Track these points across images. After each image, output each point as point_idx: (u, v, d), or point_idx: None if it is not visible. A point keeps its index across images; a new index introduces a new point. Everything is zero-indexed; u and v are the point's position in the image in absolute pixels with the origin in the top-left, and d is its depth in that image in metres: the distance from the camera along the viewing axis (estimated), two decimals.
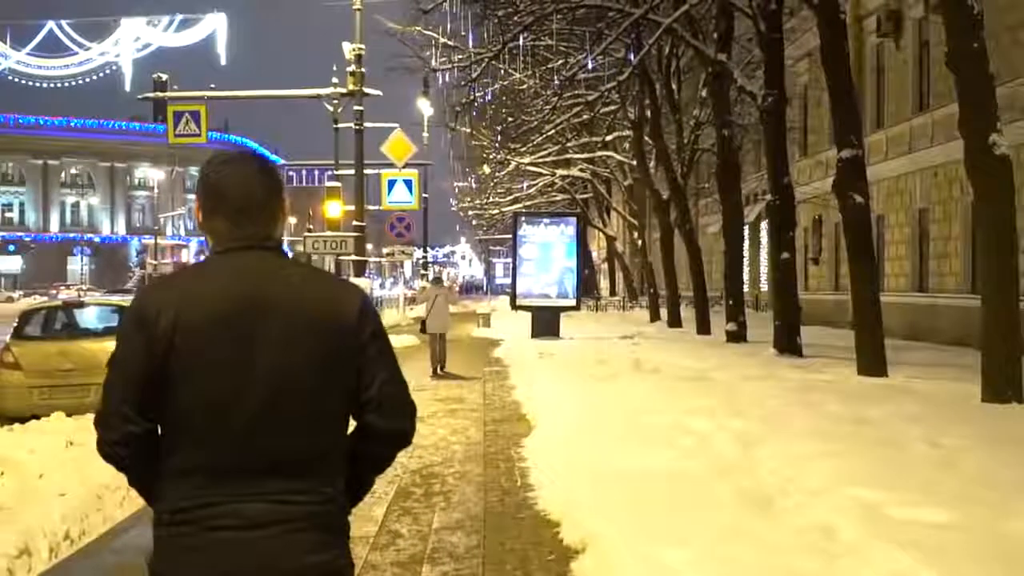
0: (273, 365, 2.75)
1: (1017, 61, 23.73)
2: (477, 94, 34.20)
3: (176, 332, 2.72)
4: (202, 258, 3.83)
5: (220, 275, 2.85)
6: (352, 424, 2.97)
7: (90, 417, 12.90)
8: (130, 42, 67.56)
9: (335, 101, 34.46)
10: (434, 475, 10.74)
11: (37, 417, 13.92)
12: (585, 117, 43.95)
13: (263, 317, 2.77)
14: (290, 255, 3.06)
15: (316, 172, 47.28)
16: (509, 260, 42.58)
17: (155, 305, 2.78)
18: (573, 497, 8.66)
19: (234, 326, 2.75)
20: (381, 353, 2.97)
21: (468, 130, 46.03)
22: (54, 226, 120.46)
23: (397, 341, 31.29)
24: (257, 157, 3.07)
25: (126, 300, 18.42)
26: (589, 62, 29.97)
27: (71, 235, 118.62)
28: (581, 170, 51.40)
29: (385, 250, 55.97)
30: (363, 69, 30.92)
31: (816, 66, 28.67)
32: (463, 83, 33.28)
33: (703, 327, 31.66)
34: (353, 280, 34.46)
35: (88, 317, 17.32)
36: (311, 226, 69.54)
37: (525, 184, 59.31)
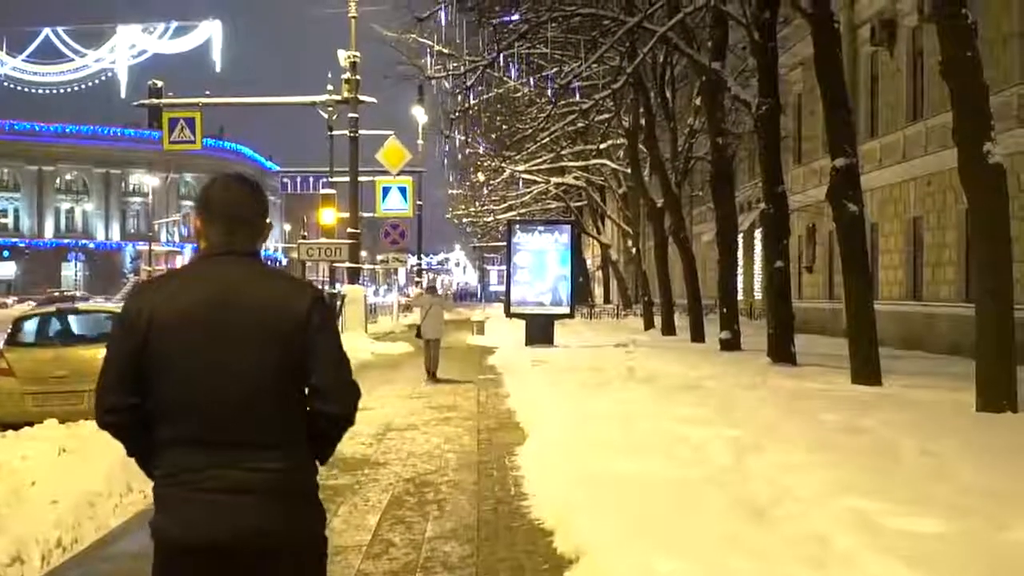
0: (235, 355, 3.30)
1: (1011, 69, 23.79)
2: (472, 102, 34.23)
3: (151, 327, 3.32)
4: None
5: (196, 278, 3.43)
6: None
7: (84, 424, 13.01)
8: (126, 49, 67.64)
9: (330, 108, 34.51)
10: (428, 484, 10.72)
11: (30, 424, 13.91)
12: (580, 125, 43.96)
13: (236, 312, 3.32)
14: (263, 261, 3.58)
15: (311, 179, 47.38)
16: (503, 267, 42.60)
17: (138, 304, 3.39)
18: (567, 506, 8.64)
19: (202, 321, 3.31)
20: (327, 344, 3.41)
21: (463, 137, 46.05)
22: (48, 232, 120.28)
23: (392, 348, 31.38)
24: (249, 182, 3.61)
25: (119, 307, 18.41)
26: (584, 70, 29.96)
27: (65, 241, 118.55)
28: (575, 178, 51.42)
29: (379, 257, 56.01)
30: (358, 76, 31.01)
31: (810, 75, 28.72)
32: (458, 91, 33.35)
33: (697, 335, 31.67)
34: (347, 286, 34.53)
35: (82, 323, 17.30)
36: (305, 233, 69.60)
37: (519, 191, 59.31)
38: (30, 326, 16.88)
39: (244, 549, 3.26)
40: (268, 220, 3.60)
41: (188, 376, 3.29)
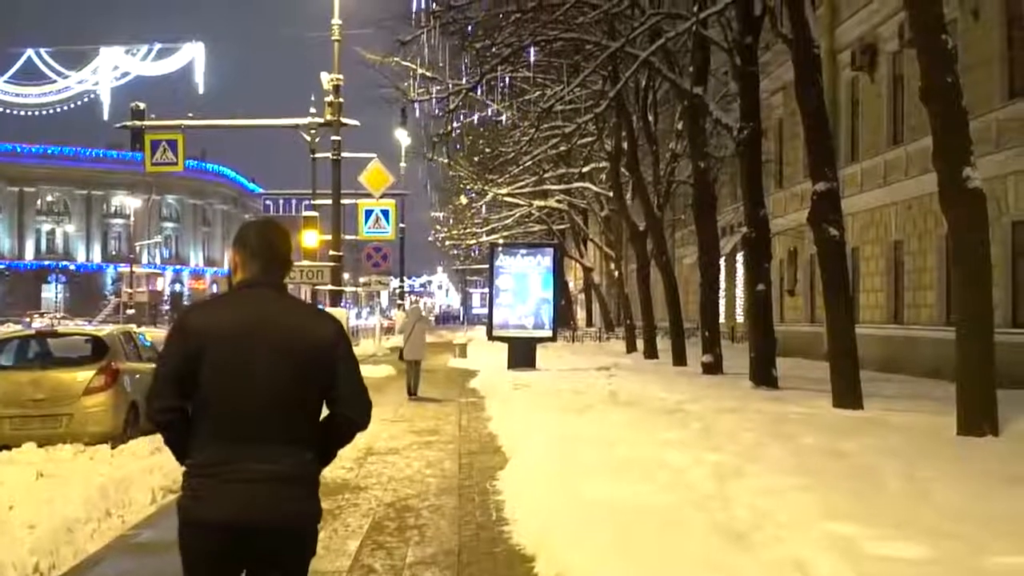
0: (269, 368, 4.02)
1: (991, 94, 23.91)
2: (455, 125, 34.28)
3: (204, 341, 4.03)
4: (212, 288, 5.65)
5: (238, 304, 4.18)
6: (325, 412, 4.22)
7: (62, 448, 12.97)
8: (108, 70, 67.63)
9: (313, 131, 34.44)
10: (409, 508, 10.68)
11: (8, 447, 13.84)
12: (562, 148, 44.11)
13: (264, 333, 4.05)
14: (289, 292, 4.35)
15: (293, 201, 47.17)
16: (486, 290, 42.59)
17: (190, 322, 4.13)
18: (548, 531, 8.62)
19: (243, 339, 4.04)
20: (349, 365, 4.22)
21: (446, 161, 46.08)
22: (29, 253, 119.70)
23: (374, 371, 31.31)
24: (282, 227, 4.41)
25: (100, 330, 18.34)
26: (566, 94, 30.03)
27: (46, 263, 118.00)
28: (558, 201, 51.52)
29: (362, 280, 55.93)
30: (341, 99, 30.95)
31: (791, 99, 28.80)
32: (441, 114, 33.38)
33: (679, 358, 31.68)
34: (329, 309, 34.49)
35: (60, 347, 17.22)
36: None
37: (502, 215, 59.37)
38: (8, 349, 16.78)
39: (259, 527, 3.97)
40: (292, 258, 4.39)
41: (227, 383, 4.01)
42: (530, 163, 46.66)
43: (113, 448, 14.03)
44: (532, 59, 30.50)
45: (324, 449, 4.23)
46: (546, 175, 48.68)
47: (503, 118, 40.31)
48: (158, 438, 14.58)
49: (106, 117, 66.40)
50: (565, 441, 13.60)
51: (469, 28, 29.13)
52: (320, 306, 37.04)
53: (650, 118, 35.45)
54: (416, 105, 35.01)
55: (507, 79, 33.05)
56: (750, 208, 23.89)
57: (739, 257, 40.60)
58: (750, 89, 24.18)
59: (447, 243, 76.84)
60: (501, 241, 52.74)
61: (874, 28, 30.67)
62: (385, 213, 36.96)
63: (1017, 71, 23.73)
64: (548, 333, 32.09)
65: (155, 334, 34.00)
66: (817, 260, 20.16)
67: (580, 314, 79.84)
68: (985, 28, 24.41)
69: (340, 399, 4.18)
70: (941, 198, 14.76)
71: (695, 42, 27.24)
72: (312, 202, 39.43)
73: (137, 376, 16.22)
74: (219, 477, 3.97)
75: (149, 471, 11.85)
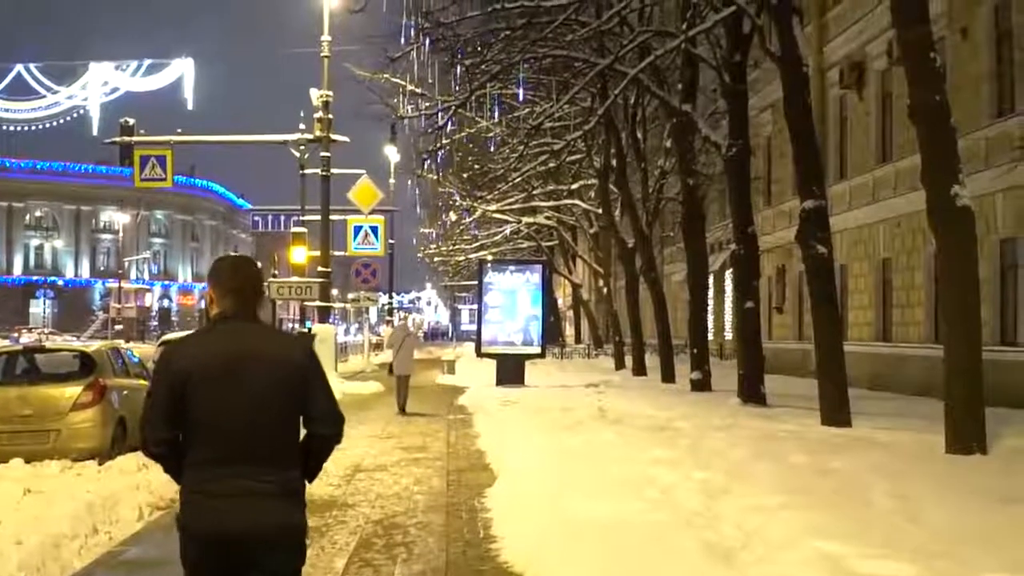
0: (251, 394, 4.35)
1: (979, 112, 24.00)
2: (444, 141, 34.31)
3: (187, 376, 4.35)
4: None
5: (216, 337, 4.51)
6: (303, 432, 4.59)
7: (50, 464, 12.91)
8: (98, 86, 67.62)
9: (302, 147, 34.49)
10: (396, 525, 10.66)
11: None
12: (551, 165, 44.16)
13: (245, 363, 4.39)
14: (264, 323, 4.72)
15: (282, 218, 47.30)
16: (475, 306, 42.57)
17: (175, 355, 4.48)
18: (536, 548, 8.60)
19: (227, 369, 4.37)
20: (320, 384, 4.57)
21: (435, 177, 46.15)
22: (17, 268, 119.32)
23: (362, 387, 31.28)
24: (252, 263, 4.80)
25: (88, 346, 18.28)
26: (556, 111, 30.08)
27: (34, 278, 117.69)
28: (547, 218, 51.58)
29: (350, 296, 55.89)
30: (330, 115, 31.00)
31: (779, 117, 28.89)
32: (430, 130, 33.42)
33: (668, 375, 31.67)
34: (318, 325, 34.49)
35: (48, 362, 17.15)
36: (276, 272, 69.34)
37: (491, 231, 59.42)
38: None
39: (250, 538, 4.31)
40: (265, 288, 4.76)
41: (214, 410, 4.34)
42: (519, 179, 46.72)
43: (100, 464, 13.97)
44: (521, 76, 30.55)
45: (307, 465, 4.57)
46: (535, 192, 48.75)
47: (492, 135, 40.40)
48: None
49: (95, 132, 66.43)
50: (553, 458, 13.58)
51: (459, 45, 29.14)
52: (308, 323, 36.98)
53: (639, 135, 35.52)
54: (406, 121, 35.09)
55: (496, 96, 33.12)
56: (738, 225, 23.93)
57: (728, 274, 40.64)
58: (738, 107, 24.24)
59: (436, 259, 76.86)
60: (490, 258, 52.79)
61: (862, 46, 30.78)
62: (374, 229, 37.03)
63: (1005, 89, 23.81)
64: (537, 350, 32.04)
65: (143, 350, 33.98)
66: (805, 277, 20.19)
67: (569, 331, 79.85)
68: (974, 46, 24.51)
69: (315, 418, 4.53)
70: (930, 216, 14.79)
71: (684, 60, 27.30)
72: (301, 218, 39.48)
73: (125, 392, 16.16)
74: (212, 493, 4.31)
75: (136, 487, 11.81)
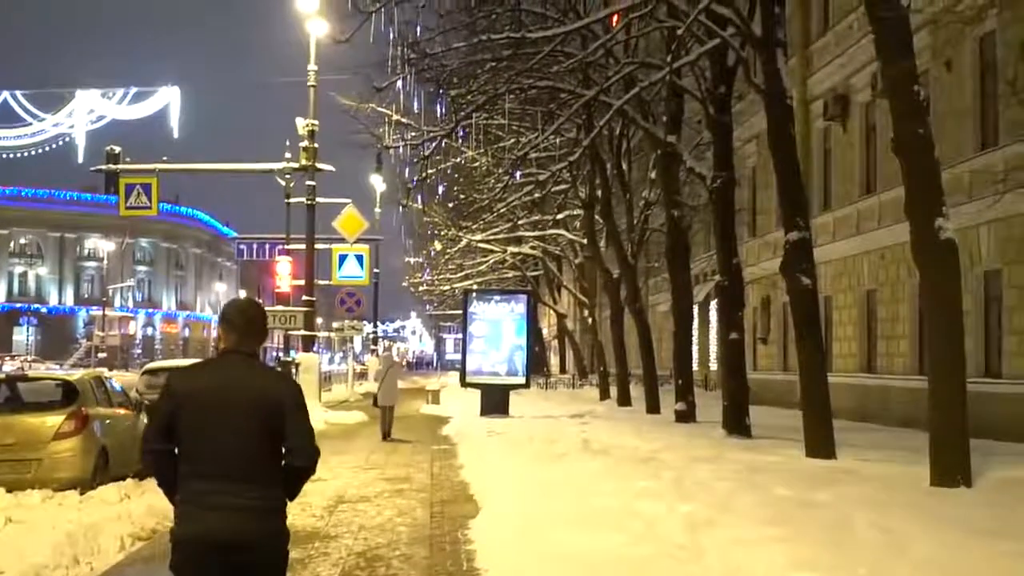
0: (234, 421, 4.90)
1: (963, 144, 24.11)
2: (429, 171, 34.34)
3: (184, 400, 4.99)
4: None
5: (213, 369, 5.20)
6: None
7: (32, 493, 12.84)
8: (84, 114, 67.45)
9: (288, 176, 34.49)
10: (379, 558, 10.59)
11: None
12: (536, 195, 44.23)
13: (232, 393, 4.95)
14: (259, 359, 5.28)
15: (267, 246, 47.08)
16: (460, 336, 42.53)
17: (178, 381, 5.11)
18: None
19: (215, 398, 4.95)
20: (298, 419, 5.02)
21: (420, 206, 46.15)
22: (1, 296, 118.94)
23: (346, 417, 31.19)
24: (258, 305, 5.41)
25: (70, 375, 18.20)
26: (541, 142, 30.13)
27: (18, 305, 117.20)
28: (532, 248, 51.61)
29: (335, 325, 55.80)
30: (316, 144, 31.01)
31: (764, 148, 28.99)
32: (416, 160, 33.41)
33: (653, 406, 31.65)
34: (302, 354, 34.42)
35: (31, 391, 17.04)
36: (261, 299, 69.20)
37: (476, 260, 59.43)
38: None
39: (234, 545, 4.83)
40: (267, 330, 5.39)
41: (202, 432, 4.91)
42: (504, 210, 46.81)
43: (82, 494, 13.89)
44: (507, 106, 30.61)
45: (286, 487, 5.09)
46: (520, 222, 48.79)
47: (478, 165, 40.48)
48: (127, 485, 14.55)
49: (81, 160, 66.22)
50: (538, 490, 13.55)
51: (444, 76, 29.22)
52: (292, 352, 36.95)
53: (624, 166, 35.64)
54: (391, 151, 35.07)
55: (482, 126, 33.17)
56: (723, 256, 23.97)
57: (712, 304, 40.71)
58: (723, 138, 24.32)
59: (421, 288, 76.83)
60: (475, 287, 52.78)
61: (846, 79, 30.95)
62: (359, 258, 37.07)
63: (989, 122, 23.92)
64: (521, 380, 31.97)
65: (126, 378, 33.81)
66: (790, 309, 20.23)
67: (554, 361, 79.85)
68: (958, 79, 24.64)
69: (290, 449, 5.01)
70: (913, 248, 14.83)
71: (669, 91, 27.39)
72: (286, 246, 39.42)
73: (108, 422, 16.10)
74: (200, 505, 4.87)
75: (118, 518, 11.74)
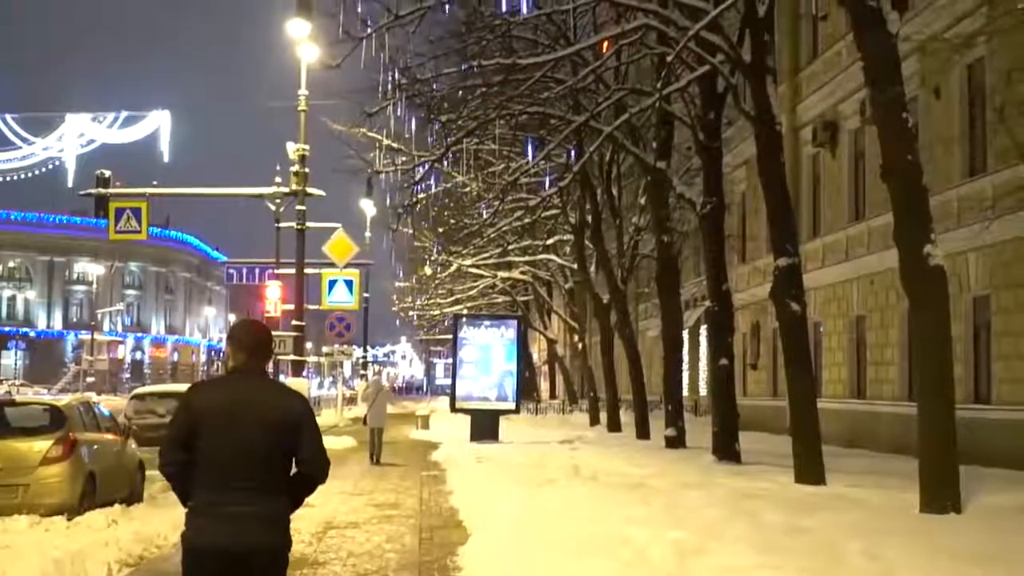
0: (249, 434, 5.23)
1: (952, 171, 24.19)
2: (420, 196, 34.38)
3: (201, 414, 5.32)
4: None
5: (227, 386, 5.52)
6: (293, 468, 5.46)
7: (19, 519, 12.74)
8: (74, 138, 67.53)
9: (278, 200, 34.43)
10: None
11: None
12: (527, 221, 44.27)
13: (246, 408, 5.29)
14: (269, 376, 5.72)
15: (257, 270, 47.03)
16: (450, 360, 42.49)
17: (195, 396, 5.47)
18: None
19: (230, 413, 5.28)
20: (311, 433, 5.42)
21: (410, 231, 46.15)
22: None
23: (336, 442, 31.06)
24: (264, 326, 5.88)
25: (58, 400, 18.13)
26: (531, 167, 30.20)
27: (6, 329, 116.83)
28: (522, 273, 51.64)
29: (324, 349, 55.70)
30: (307, 169, 30.98)
31: (753, 174, 29.06)
32: (406, 185, 33.46)
33: (643, 432, 31.63)
34: (291, 379, 34.34)
35: (19, 416, 16.95)
36: None
37: (466, 285, 59.43)
38: None
39: (240, 551, 5.17)
40: (273, 349, 5.98)
41: (217, 445, 5.24)
42: (495, 234, 46.86)
43: (69, 520, 13.81)
44: (498, 132, 30.68)
45: (293, 496, 5.45)
46: (510, 246, 48.83)
47: (468, 190, 40.52)
48: (114, 511, 14.48)
49: (71, 184, 66.26)
50: (527, 516, 13.51)
51: (435, 101, 29.26)
52: (282, 376, 36.90)
53: (614, 192, 35.71)
54: (382, 176, 35.11)
55: (472, 151, 33.23)
56: (713, 282, 24.02)
57: (702, 330, 40.72)
58: (713, 164, 24.39)
59: (411, 313, 76.75)
60: (465, 312, 52.77)
61: (835, 105, 31.05)
62: (349, 283, 36.94)
63: (978, 148, 24.00)
64: (511, 405, 31.94)
65: (115, 403, 33.73)
66: (780, 334, 20.24)
67: (544, 386, 79.73)
68: (946, 106, 24.73)
69: (304, 460, 5.36)
70: (902, 275, 14.87)
71: (659, 117, 27.50)
72: (276, 271, 39.38)
73: (95, 447, 16.02)
74: (212, 515, 5.20)
75: (105, 544, 11.68)
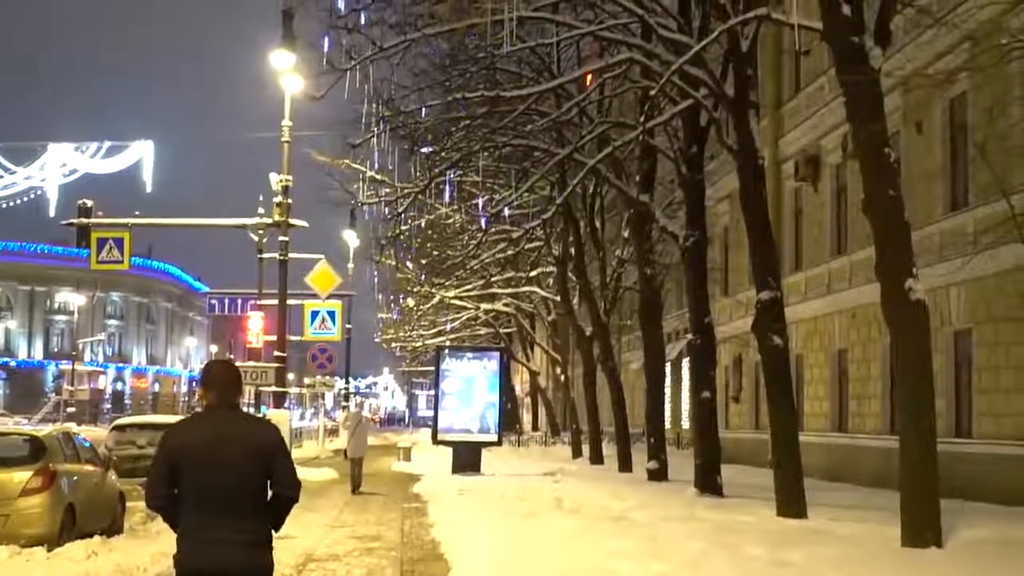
0: (228, 464, 5.64)
1: (933, 206, 24.29)
2: (403, 228, 34.41)
3: (181, 451, 5.72)
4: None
5: (206, 421, 5.92)
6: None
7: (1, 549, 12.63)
8: (56, 167, 67.25)
9: (260, 231, 34.42)
10: None
11: None
12: (510, 252, 44.33)
13: (224, 442, 5.69)
14: (242, 410, 6.19)
15: (239, 301, 46.99)
16: (432, 392, 42.44)
17: (172, 435, 5.88)
18: None
19: (209, 447, 5.67)
20: (284, 458, 5.89)
21: (393, 263, 46.17)
22: None
23: (317, 474, 30.96)
24: (233, 366, 6.40)
25: (38, 431, 18.04)
26: (515, 199, 30.26)
27: None
28: (505, 304, 51.68)
29: (307, 380, 55.63)
30: (289, 200, 30.98)
31: (736, 208, 29.13)
32: (389, 216, 33.48)
33: (625, 464, 31.60)
34: (273, 411, 34.25)
35: None
36: (232, 355, 68.89)
37: (449, 317, 59.39)
38: None
39: (229, 573, 5.61)
40: (243, 386, 6.25)
41: (199, 477, 5.65)
42: (478, 266, 46.88)
43: (49, 551, 13.73)
44: (481, 164, 30.76)
45: (274, 518, 5.90)
46: (494, 278, 48.87)
47: (451, 221, 40.56)
48: (94, 542, 14.39)
49: (53, 213, 65.91)
50: (509, 548, 13.48)
51: (419, 133, 29.30)
52: (264, 408, 36.78)
53: (597, 224, 35.82)
54: (365, 207, 35.13)
55: (456, 183, 33.31)
56: (695, 315, 24.07)
57: (685, 362, 40.75)
58: (696, 197, 24.49)
59: (393, 344, 76.63)
60: (448, 343, 52.75)
61: (817, 140, 31.19)
62: (331, 314, 36.97)
63: (959, 183, 24.09)
64: (494, 437, 31.89)
65: (95, 433, 33.50)
66: (762, 368, 20.28)
67: (526, 418, 79.63)
68: (928, 141, 24.84)
69: (278, 481, 5.82)
70: (884, 309, 14.92)
71: (642, 151, 27.59)
72: (258, 302, 39.31)
73: (75, 478, 15.94)
74: (199, 539, 5.64)
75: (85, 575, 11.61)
